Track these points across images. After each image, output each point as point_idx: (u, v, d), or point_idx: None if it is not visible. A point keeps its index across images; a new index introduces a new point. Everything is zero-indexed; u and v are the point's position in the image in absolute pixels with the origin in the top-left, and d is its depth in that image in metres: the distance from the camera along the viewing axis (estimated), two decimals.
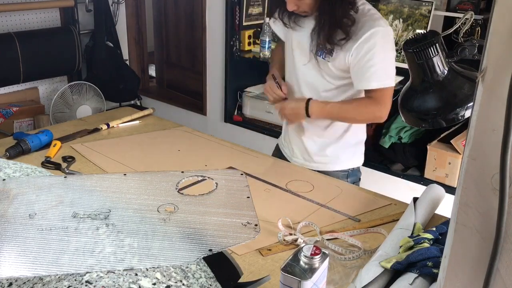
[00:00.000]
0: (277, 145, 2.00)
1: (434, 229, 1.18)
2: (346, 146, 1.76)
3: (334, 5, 1.48)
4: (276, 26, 1.78)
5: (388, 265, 1.03)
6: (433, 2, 2.41)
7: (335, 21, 1.50)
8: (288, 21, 1.66)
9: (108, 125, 2.03)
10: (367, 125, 2.78)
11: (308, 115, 1.63)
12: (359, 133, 1.79)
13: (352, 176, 1.80)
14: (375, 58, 1.51)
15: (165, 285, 0.90)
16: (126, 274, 0.91)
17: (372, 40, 1.50)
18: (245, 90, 3.32)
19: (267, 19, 2.99)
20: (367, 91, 1.60)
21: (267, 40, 2.99)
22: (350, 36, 1.51)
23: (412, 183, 2.52)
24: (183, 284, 0.92)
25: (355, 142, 1.78)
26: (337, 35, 1.52)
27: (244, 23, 3.21)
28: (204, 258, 1.01)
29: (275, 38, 1.89)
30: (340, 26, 1.50)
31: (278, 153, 1.95)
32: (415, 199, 1.35)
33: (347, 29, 1.51)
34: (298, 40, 1.67)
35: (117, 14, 3.86)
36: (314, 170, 1.74)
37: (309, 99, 1.64)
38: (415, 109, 1.17)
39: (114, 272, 0.92)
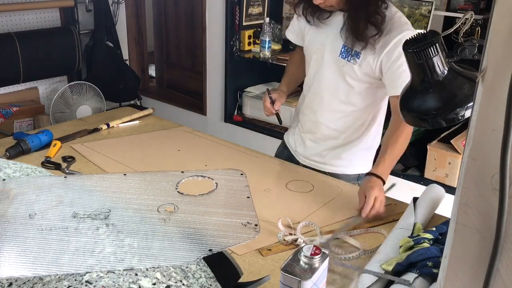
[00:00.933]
0: (283, 141, 1.94)
1: (434, 229, 1.18)
2: (360, 150, 1.73)
3: (364, 0, 1.45)
4: (296, 25, 1.73)
5: (389, 268, 1.04)
6: (433, 2, 2.41)
7: (368, 16, 1.45)
8: (312, 18, 1.60)
9: (108, 125, 2.03)
10: None
11: (384, 183, 1.49)
12: (375, 138, 1.75)
13: (362, 179, 1.77)
14: (405, 62, 1.48)
15: (165, 285, 0.90)
16: (126, 274, 0.91)
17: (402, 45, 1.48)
18: (245, 90, 3.32)
19: (267, 19, 2.99)
20: (395, 98, 1.52)
21: (267, 40, 2.99)
22: (382, 32, 1.47)
23: (412, 183, 2.52)
24: (183, 284, 0.92)
25: (368, 146, 1.74)
26: (369, 31, 1.47)
27: (244, 23, 3.21)
28: (204, 258, 1.01)
29: (291, 45, 1.84)
30: (372, 21, 1.46)
31: (284, 150, 1.90)
32: (415, 199, 1.35)
33: (379, 25, 1.46)
34: (323, 40, 1.62)
35: (117, 14, 3.86)
36: (325, 172, 1.73)
37: (372, 175, 1.49)
38: (415, 109, 1.17)
39: (114, 272, 0.92)
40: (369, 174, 1.50)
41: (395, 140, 1.54)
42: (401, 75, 1.47)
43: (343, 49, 1.55)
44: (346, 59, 1.55)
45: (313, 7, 1.56)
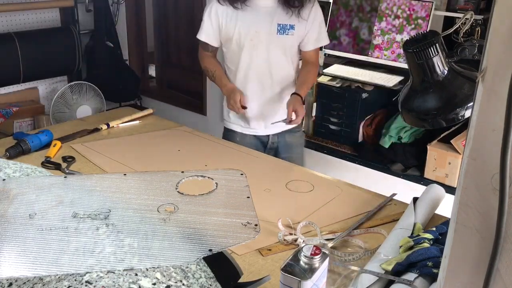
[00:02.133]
0: (225, 128, 2.17)
1: (434, 229, 1.18)
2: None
3: None
4: (207, 32, 1.94)
5: (389, 267, 1.03)
6: (433, 2, 2.41)
7: None
8: (238, 3, 1.82)
9: (108, 125, 2.03)
10: (367, 125, 2.79)
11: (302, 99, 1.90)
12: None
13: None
14: (322, 23, 1.94)
15: (165, 285, 0.90)
16: (126, 274, 0.91)
17: (317, 8, 1.90)
18: None
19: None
20: (313, 51, 1.96)
21: None
22: (304, 3, 1.84)
23: (412, 183, 2.52)
24: (183, 284, 0.92)
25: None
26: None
27: None
28: (204, 258, 1.01)
29: (205, 48, 2.05)
30: None
31: (227, 134, 2.13)
32: (415, 199, 1.35)
33: None
34: (256, 26, 1.85)
35: (117, 14, 3.86)
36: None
37: (295, 94, 1.89)
38: (415, 109, 1.17)
39: (114, 272, 0.92)
40: (294, 93, 1.90)
41: (309, 74, 1.99)
42: (320, 31, 1.93)
43: (278, 27, 1.84)
44: (284, 34, 1.85)
45: None
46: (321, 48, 2.32)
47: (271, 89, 1.98)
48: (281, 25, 1.84)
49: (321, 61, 2.80)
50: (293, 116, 1.86)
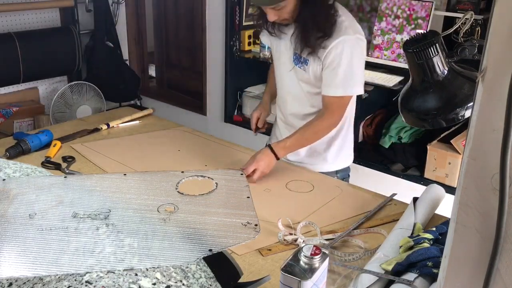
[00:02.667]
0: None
1: (434, 229, 1.18)
2: (333, 147, 1.79)
3: (314, 10, 1.52)
4: (265, 38, 1.82)
5: (389, 267, 1.03)
6: (433, 2, 2.41)
7: (316, 24, 1.54)
8: (273, 30, 1.69)
9: (108, 125, 2.03)
10: (367, 125, 2.79)
11: (277, 158, 1.64)
12: (346, 136, 1.82)
13: (341, 173, 1.85)
14: (340, 67, 1.56)
15: (165, 285, 0.90)
16: (126, 274, 0.91)
17: (338, 49, 1.55)
18: (245, 90, 3.32)
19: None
20: (326, 97, 1.63)
21: None
22: (328, 36, 1.55)
23: (412, 183, 2.52)
24: (183, 284, 0.92)
25: (340, 143, 1.81)
26: (315, 35, 1.56)
27: (244, 23, 3.20)
28: (204, 258, 1.01)
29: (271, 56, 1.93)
30: (320, 28, 1.55)
31: None
32: (415, 199, 1.35)
33: (326, 30, 1.55)
34: (282, 48, 1.72)
35: (117, 14, 3.86)
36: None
37: (269, 146, 1.66)
38: (415, 109, 1.17)
39: (114, 272, 0.92)
40: (268, 145, 1.66)
41: (308, 127, 1.66)
42: (334, 78, 1.58)
43: (294, 56, 1.66)
44: (298, 65, 1.66)
45: (271, 22, 1.64)
46: None
47: (285, 117, 1.84)
48: (296, 55, 1.65)
49: None
50: (249, 172, 1.59)
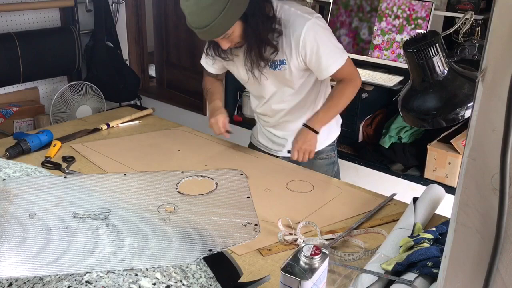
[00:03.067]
0: (251, 143, 2.07)
1: (434, 229, 1.18)
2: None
3: (256, 26, 1.55)
4: (207, 62, 1.87)
5: (389, 267, 1.03)
6: (433, 2, 2.41)
7: (261, 40, 1.58)
8: (226, 55, 1.71)
9: (108, 125, 2.03)
10: (367, 125, 2.79)
11: (317, 133, 1.69)
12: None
13: (334, 147, 1.96)
14: (321, 48, 1.61)
15: (165, 285, 0.90)
16: (126, 274, 0.91)
17: (310, 36, 1.60)
18: (245, 90, 3.32)
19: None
20: (334, 75, 1.69)
21: None
22: (279, 48, 1.62)
23: (412, 183, 2.52)
24: (183, 284, 0.92)
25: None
26: (267, 50, 1.62)
27: None
28: (204, 258, 1.01)
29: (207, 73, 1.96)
30: (267, 43, 1.60)
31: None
32: (415, 199, 1.35)
33: (273, 43, 1.61)
34: (239, 68, 1.76)
35: (117, 14, 3.86)
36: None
37: (304, 124, 1.70)
38: (415, 109, 1.17)
39: (114, 272, 0.92)
40: (304, 124, 1.70)
41: (334, 95, 1.72)
42: (321, 61, 1.63)
43: (269, 63, 1.67)
44: (277, 69, 1.69)
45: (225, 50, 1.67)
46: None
47: (284, 117, 1.84)
48: (270, 61, 1.66)
49: None
50: (295, 156, 1.68)
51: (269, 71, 1.71)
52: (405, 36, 2.51)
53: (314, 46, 1.60)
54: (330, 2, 2.75)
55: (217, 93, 1.89)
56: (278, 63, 1.67)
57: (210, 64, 1.87)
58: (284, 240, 1.24)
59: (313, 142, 1.69)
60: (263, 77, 1.72)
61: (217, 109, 1.80)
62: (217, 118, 1.75)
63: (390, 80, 2.48)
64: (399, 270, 1.03)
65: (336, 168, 1.97)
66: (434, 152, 2.42)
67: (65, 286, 0.88)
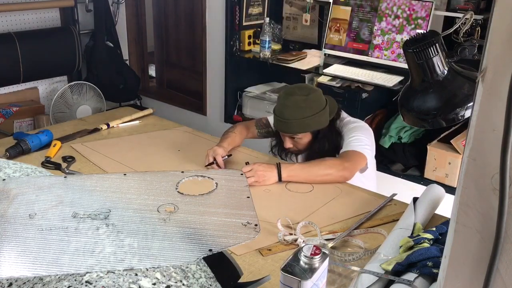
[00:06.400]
0: None
1: (434, 229, 1.18)
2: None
3: (322, 147, 1.76)
4: (264, 125, 2.00)
5: (389, 267, 1.03)
6: (433, 2, 2.41)
7: (319, 155, 1.74)
8: (285, 157, 1.88)
9: (108, 125, 2.03)
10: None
11: (280, 179, 1.61)
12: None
13: None
14: (354, 137, 1.76)
15: (165, 285, 0.90)
16: (126, 274, 0.91)
17: (353, 124, 1.82)
18: (245, 90, 3.32)
19: (267, 19, 2.96)
20: (342, 152, 1.76)
21: (267, 40, 2.98)
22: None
23: (412, 183, 2.52)
24: (183, 284, 0.92)
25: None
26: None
27: (244, 23, 3.20)
28: (204, 258, 1.01)
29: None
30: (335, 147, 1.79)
31: None
32: (415, 199, 1.35)
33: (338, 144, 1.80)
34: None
35: (117, 14, 3.86)
36: None
37: (278, 164, 1.64)
38: (415, 109, 1.17)
39: (114, 272, 0.92)
40: (277, 163, 1.64)
41: (320, 162, 1.67)
42: (350, 142, 1.76)
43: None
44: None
45: (285, 150, 1.83)
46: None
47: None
48: None
49: (321, 61, 2.80)
50: (247, 172, 1.58)
51: None
52: (405, 36, 2.51)
53: (350, 135, 1.76)
54: (330, 2, 2.75)
55: (233, 141, 1.87)
56: None
57: (261, 127, 1.99)
58: (284, 240, 1.24)
59: (268, 180, 1.60)
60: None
61: (221, 144, 1.78)
62: (214, 149, 1.72)
63: (390, 80, 2.48)
64: (399, 270, 1.03)
65: None
66: (434, 152, 2.42)
67: (65, 286, 0.88)
